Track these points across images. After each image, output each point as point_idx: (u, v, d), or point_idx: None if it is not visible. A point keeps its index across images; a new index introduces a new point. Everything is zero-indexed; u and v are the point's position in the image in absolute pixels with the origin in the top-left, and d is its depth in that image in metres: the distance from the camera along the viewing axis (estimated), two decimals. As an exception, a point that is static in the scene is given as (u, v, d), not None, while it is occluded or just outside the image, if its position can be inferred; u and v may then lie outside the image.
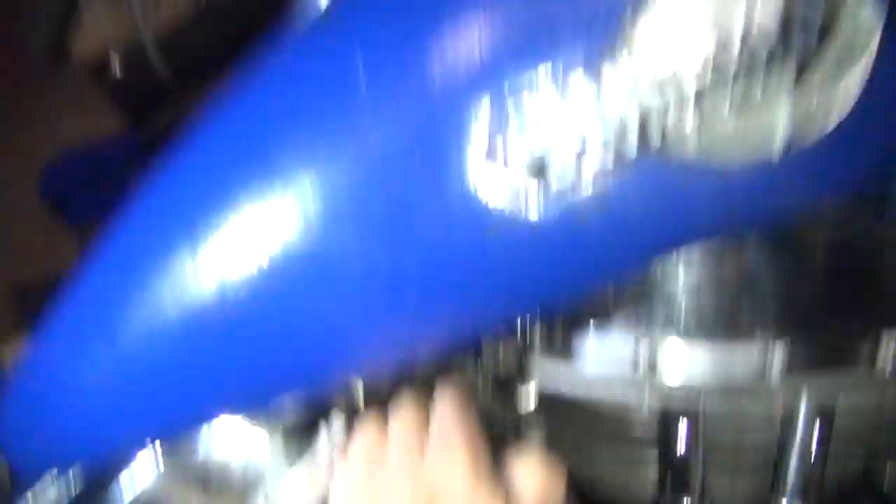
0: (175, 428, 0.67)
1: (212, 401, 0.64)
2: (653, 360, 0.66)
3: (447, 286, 0.54)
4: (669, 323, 0.67)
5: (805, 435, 0.69)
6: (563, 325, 0.70)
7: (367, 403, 0.70)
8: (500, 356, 0.79)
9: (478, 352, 0.84)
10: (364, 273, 0.52)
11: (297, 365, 0.59)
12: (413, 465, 0.52)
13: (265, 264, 0.53)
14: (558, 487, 0.53)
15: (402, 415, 0.59)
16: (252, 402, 0.65)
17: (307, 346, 0.58)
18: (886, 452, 0.79)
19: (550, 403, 0.78)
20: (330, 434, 0.73)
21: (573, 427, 0.78)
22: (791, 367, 0.65)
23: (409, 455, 0.53)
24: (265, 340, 0.57)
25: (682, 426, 0.69)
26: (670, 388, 0.66)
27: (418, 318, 0.56)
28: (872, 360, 0.66)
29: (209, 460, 0.70)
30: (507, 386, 0.73)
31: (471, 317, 0.58)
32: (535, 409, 0.79)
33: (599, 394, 0.68)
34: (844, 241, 0.66)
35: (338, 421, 0.75)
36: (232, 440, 0.71)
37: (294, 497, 0.70)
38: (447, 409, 0.58)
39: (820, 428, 0.68)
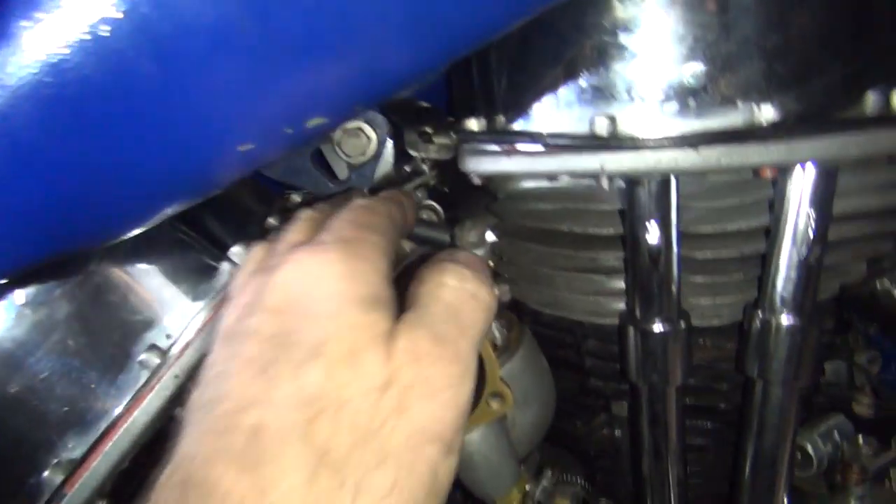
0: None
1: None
2: (613, 129, 0.55)
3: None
4: (631, 94, 0.56)
5: (800, 214, 0.58)
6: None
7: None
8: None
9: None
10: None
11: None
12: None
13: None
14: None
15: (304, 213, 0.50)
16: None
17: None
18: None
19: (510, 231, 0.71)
20: (230, 269, 0.62)
21: (533, 256, 0.68)
22: (784, 122, 0.54)
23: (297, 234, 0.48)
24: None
25: (653, 225, 0.58)
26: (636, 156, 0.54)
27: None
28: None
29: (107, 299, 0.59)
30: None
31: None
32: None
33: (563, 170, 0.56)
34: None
35: (240, 253, 0.62)
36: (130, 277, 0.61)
37: (197, 331, 0.57)
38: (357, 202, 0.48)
39: (817, 207, 0.58)
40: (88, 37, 0.45)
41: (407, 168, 0.86)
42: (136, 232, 0.55)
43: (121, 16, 0.45)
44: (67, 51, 0.44)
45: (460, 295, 0.44)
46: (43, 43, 0.44)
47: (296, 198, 0.83)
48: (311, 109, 0.49)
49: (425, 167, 0.85)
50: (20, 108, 0.45)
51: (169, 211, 0.54)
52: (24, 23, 0.44)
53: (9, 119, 0.45)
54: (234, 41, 0.46)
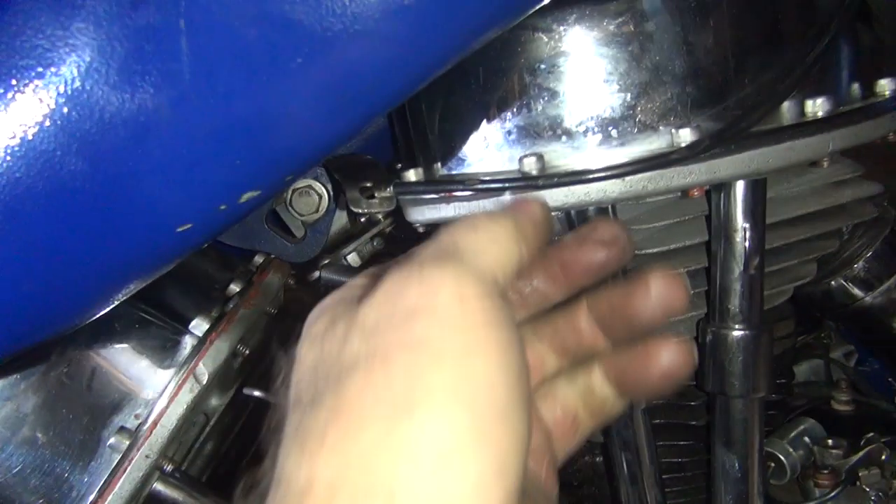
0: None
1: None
2: (541, 167, 0.57)
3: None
4: (556, 131, 0.58)
5: (734, 228, 0.60)
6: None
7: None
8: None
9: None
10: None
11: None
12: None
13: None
14: None
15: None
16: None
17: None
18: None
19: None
20: (191, 344, 0.63)
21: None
22: (700, 143, 0.55)
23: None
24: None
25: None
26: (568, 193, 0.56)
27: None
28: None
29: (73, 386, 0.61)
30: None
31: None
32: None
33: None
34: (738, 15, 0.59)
35: (201, 325, 0.63)
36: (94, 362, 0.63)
37: (162, 409, 0.58)
38: None
39: (750, 219, 0.60)
40: (16, 141, 0.47)
41: (363, 218, 0.87)
42: (93, 318, 0.56)
43: (45, 118, 0.47)
44: (-5, 158, 0.46)
45: None
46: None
47: (258, 259, 0.84)
48: (242, 186, 0.51)
49: (380, 216, 0.87)
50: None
51: (120, 296, 0.56)
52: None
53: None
54: (157, 130, 0.47)
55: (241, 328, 0.68)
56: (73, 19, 0.45)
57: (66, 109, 0.46)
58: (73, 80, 0.46)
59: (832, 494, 0.67)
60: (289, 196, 0.79)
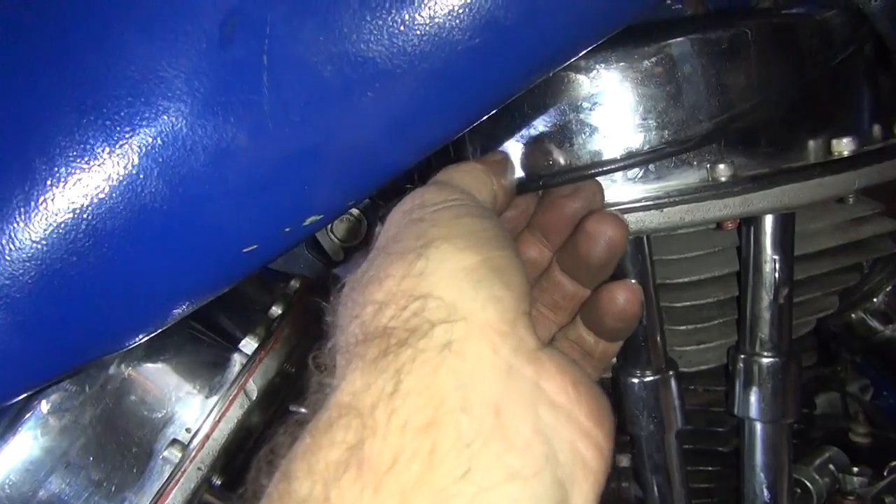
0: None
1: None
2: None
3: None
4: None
5: (765, 260, 0.63)
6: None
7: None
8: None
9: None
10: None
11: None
12: None
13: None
14: None
15: None
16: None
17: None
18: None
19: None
20: (241, 362, 0.66)
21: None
22: (736, 178, 0.59)
23: None
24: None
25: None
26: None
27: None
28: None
29: (128, 399, 0.64)
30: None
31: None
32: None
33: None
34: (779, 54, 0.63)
35: (250, 344, 0.66)
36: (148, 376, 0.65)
37: (214, 423, 0.61)
38: None
39: (780, 251, 0.63)
40: (103, 164, 0.50)
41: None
42: (154, 334, 0.59)
43: (131, 144, 0.50)
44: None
45: None
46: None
47: (294, 283, 0.87)
48: (308, 210, 0.54)
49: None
50: (48, 241, 0.50)
51: (181, 313, 0.58)
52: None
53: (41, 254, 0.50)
54: (234, 157, 0.51)
55: (287, 347, 0.70)
56: (165, 53, 0.48)
57: (151, 136, 0.50)
58: (160, 109, 0.49)
59: (859, 520, 0.69)
60: (329, 224, 0.83)
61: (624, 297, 0.54)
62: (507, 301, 0.38)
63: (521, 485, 0.34)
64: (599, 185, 0.58)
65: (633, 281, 0.57)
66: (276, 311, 0.77)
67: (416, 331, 0.36)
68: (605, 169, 0.59)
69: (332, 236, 0.83)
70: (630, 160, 0.59)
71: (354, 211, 0.83)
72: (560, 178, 0.59)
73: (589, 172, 0.59)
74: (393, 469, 0.33)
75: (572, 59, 0.55)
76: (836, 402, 1.06)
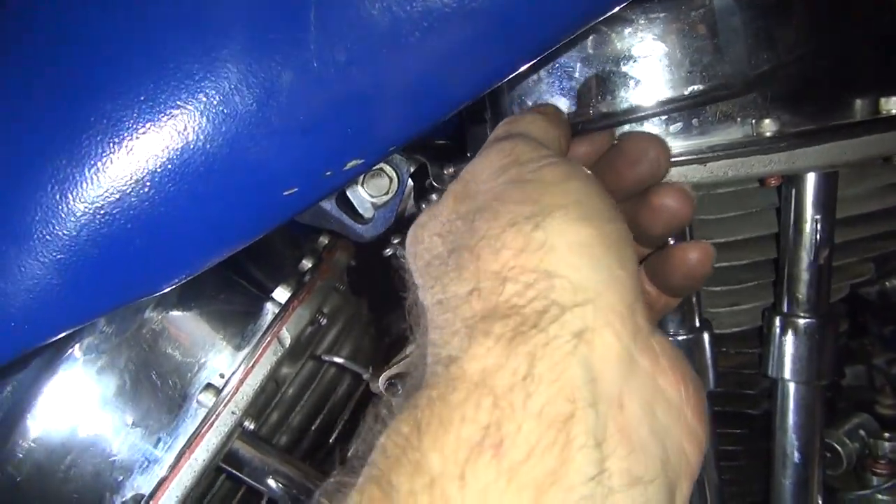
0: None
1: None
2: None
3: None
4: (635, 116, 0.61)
5: (805, 219, 0.62)
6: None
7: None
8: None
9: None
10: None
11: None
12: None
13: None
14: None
15: None
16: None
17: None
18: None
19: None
20: (273, 311, 0.66)
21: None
22: (782, 134, 0.58)
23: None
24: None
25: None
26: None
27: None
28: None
29: (163, 343, 0.64)
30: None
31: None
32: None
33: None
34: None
35: (283, 293, 0.66)
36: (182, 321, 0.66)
37: (248, 368, 0.61)
38: None
39: (821, 210, 0.62)
40: (150, 103, 0.50)
41: (424, 205, 0.90)
42: (190, 278, 0.59)
43: (177, 83, 0.50)
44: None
45: None
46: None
47: (323, 240, 0.87)
48: (349, 153, 0.54)
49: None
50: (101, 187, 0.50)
51: (220, 256, 0.58)
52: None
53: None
54: (278, 96, 0.50)
55: (319, 299, 0.70)
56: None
57: (197, 75, 0.50)
58: (207, 47, 0.49)
59: (893, 483, 0.69)
60: (361, 177, 0.82)
61: (696, 256, 0.51)
62: (625, 281, 0.37)
63: (641, 490, 0.33)
64: (665, 148, 0.53)
65: (705, 241, 0.53)
66: (307, 264, 0.77)
67: (546, 313, 0.35)
68: (645, 114, 0.59)
69: (363, 192, 0.83)
70: (672, 104, 0.58)
71: (386, 166, 0.82)
72: (601, 123, 0.58)
73: (631, 117, 0.58)
74: (528, 461, 0.32)
75: (620, 6, 0.54)
76: (862, 375, 1.06)
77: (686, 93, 0.60)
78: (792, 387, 0.66)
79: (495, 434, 0.32)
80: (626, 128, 0.61)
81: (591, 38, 0.61)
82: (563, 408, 0.33)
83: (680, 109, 0.60)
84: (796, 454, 0.67)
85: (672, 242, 0.54)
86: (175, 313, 0.65)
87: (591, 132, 0.57)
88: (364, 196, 0.84)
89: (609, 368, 0.35)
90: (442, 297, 0.39)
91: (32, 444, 0.62)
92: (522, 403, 0.33)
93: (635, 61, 0.61)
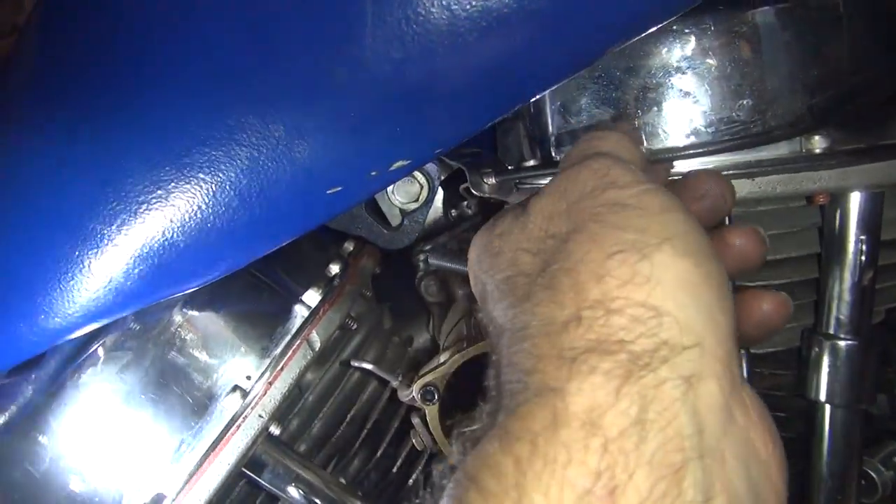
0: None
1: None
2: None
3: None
4: (685, 130, 0.60)
5: (850, 239, 0.61)
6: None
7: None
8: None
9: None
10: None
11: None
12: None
13: None
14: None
15: None
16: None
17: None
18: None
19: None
20: (302, 314, 0.64)
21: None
22: (832, 151, 0.57)
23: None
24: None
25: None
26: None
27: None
28: None
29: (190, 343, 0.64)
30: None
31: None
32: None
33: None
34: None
35: (314, 296, 0.65)
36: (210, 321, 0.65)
37: (276, 371, 0.59)
38: None
39: (867, 231, 0.61)
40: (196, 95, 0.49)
41: (454, 213, 0.89)
42: (224, 275, 0.58)
43: (222, 71, 0.49)
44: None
45: None
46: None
47: (349, 245, 0.86)
48: (396, 153, 0.53)
49: (470, 212, 0.89)
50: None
51: (258, 254, 0.57)
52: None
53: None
54: (329, 91, 0.49)
55: (349, 303, 0.69)
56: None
57: (248, 65, 0.49)
58: (258, 31, 0.48)
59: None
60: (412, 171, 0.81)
61: (771, 307, 0.46)
62: (725, 326, 0.35)
63: None
64: (730, 187, 0.49)
65: (783, 293, 0.48)
66: (334, 268, 0.76)
67: (656, 353, 0.33)
68: (691, 131, 0.58)
69: (394, 198, 0.82)
70: (719, 124, 0.57)
71: (417, 174, 0.81)
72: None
73: (676, 132, 0.57)
74: None
75: (675, 16, 0.53)
76: (885, 404, 1.05)
77: (734, 108, 0.59)
78: (830, 410, 0.64)
79: (608, 481, 0.30)
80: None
81: (638, 47, 0.61)
82: (674, 458, 0.31)
83: (728, 132, 0.59)
84: (833, 479, 0.65)
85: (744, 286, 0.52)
86: (203, 313, 0.64)
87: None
88: (394, 202, 0.83)
89: (713, 419, 0.33)
90: (529, 318, 0.36)
91: (52, 441, 0.61)
92: (635, 449, 0.31)
93: (683, 73, 0.60)
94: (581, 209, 0.39)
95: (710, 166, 0.59)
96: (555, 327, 0.35)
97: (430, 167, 0.82)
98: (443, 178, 0.82)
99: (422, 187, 0.82)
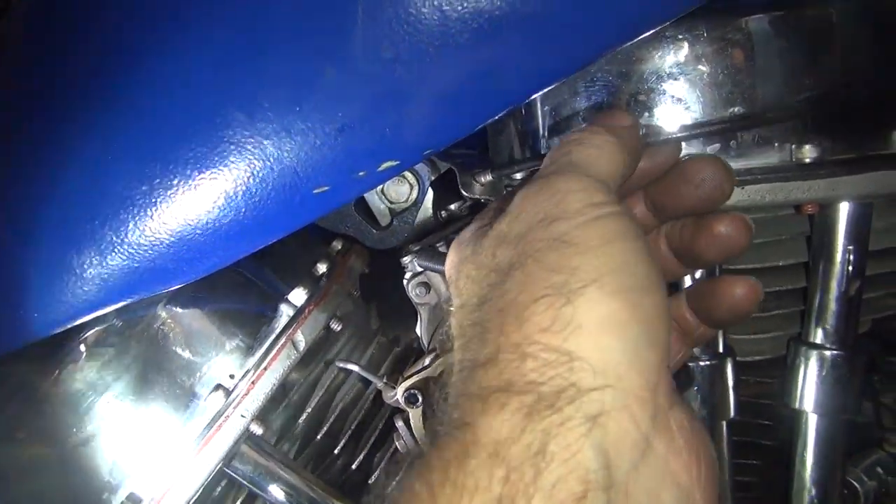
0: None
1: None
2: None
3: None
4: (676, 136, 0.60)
5: (838, 250, 0.61)
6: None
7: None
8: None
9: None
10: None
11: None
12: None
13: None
14: None
15: None
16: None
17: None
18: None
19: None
20: (288, 313, 0.64)
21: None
22: (822, 161, 0.57)
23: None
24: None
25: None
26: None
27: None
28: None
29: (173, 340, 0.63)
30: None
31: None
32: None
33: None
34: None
35: (300, 295, 0.64)
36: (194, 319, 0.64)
37: (261, 371, 0.59)
38: None
39: (855, 242, 0.61)
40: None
41: (444, 213, 0.89)
42: (209, 273, 0.57)
43: (211, 70, 0.48)
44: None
45: None
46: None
47: (337, 244, 0.85)
48: (385, 154, 0.52)
49: (460, 213, 0.88)
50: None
51: (242, 252, 0.57)
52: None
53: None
54: (318, 90, 0.49)
55: (335, 303, 0.69)
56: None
57: (230, 61, 0.48)
58: (248, 28, 0.47)
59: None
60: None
61: (742, 292, 0.49)
62: (652, 361, 0.37)
63: None
64: (730, 172, 0.51)
65: (753, 278, 0.50)
66: (321, 268, 0.75)
67: (563, 393, 0.35)
68: (683, 135, 0.57)
69: (383, 197, 0.81)
70: (711, 126, 0.57)
71: (407, 174, 0.81)
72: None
73: (667, 137, 0.57)
74: None
75: (670, 20, 0.53)
76: (870, 412, 1.05)
77: (725, 114, 0.59)
78: (814, 419, 0.65)
79: None
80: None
81: (631, 52, 0.60)
82: (576, 487, 0.33)
83: (718, 133, 0.59)
84: (815, 488, 0.65)
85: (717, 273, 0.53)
86: (187, 310, 0.63)
87: (654, 146, 0.55)
88: (383, 202, 0.82)
89: (622, 454, 0.35)
90: (461, 355, 0.39)
91: (30, 438, 0.60)
92: (533, 478, 0.33)
93: (675, 79, 0.60)
94: (527, 241, 0.40)
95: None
96: (476, 366, 0.37)
97: (421, 168, 0.81)
98: (433, 178, 0.82)
99: (412, 187, 0.81)
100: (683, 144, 0.60)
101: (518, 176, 0.67)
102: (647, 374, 0.36)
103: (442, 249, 0.79)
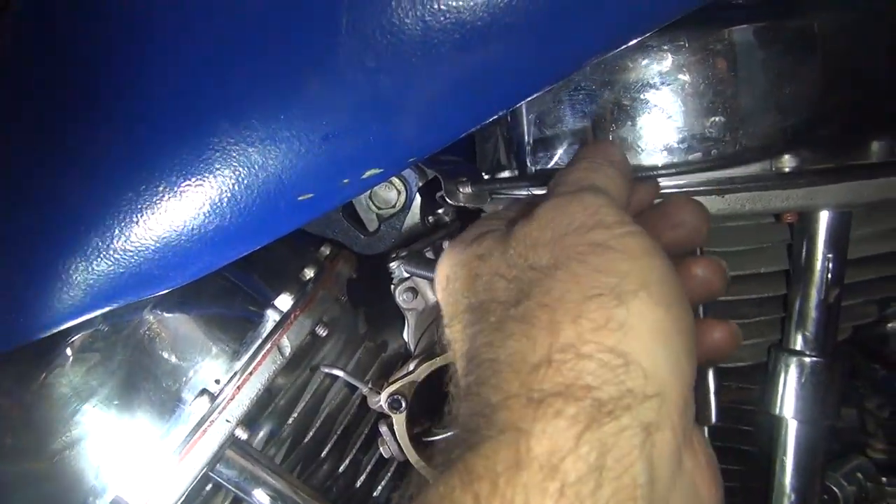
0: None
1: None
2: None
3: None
4: (658, 145, 0.61)
5: (817, 258, 0.62)
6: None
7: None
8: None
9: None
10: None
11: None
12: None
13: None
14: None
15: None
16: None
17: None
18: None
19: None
20: (274, 318, 0.64)
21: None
22: (801, 170, 0.58)
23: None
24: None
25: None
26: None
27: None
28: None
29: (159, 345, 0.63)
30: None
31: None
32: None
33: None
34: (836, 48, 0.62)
35: (286, 301, 0.65)
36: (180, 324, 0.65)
37: (246, 376, 0.59)
38: None
39: (834, 250, 0.62)
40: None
41: (431, 219, 0.89)
42: (194, 279, 0.58)
43: (196, 81, 0.49)
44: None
45: None
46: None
47: (325, 249, 0.85)
48: (369, 161, 0.53)
49: (448, 219, 0.89)
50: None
51: (226, 259, 0.57)
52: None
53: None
54: (302, 98, 0.49)
55: (321, 309, 0.69)
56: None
57: (217, 72, 0.49)
58: (232, 37, 0.48)
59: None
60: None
61: (721, 336, 0.48)
62: (688, 372, 0.37)
63: None
64: (707, 217, 0.50)
65: (734, 324, 0.49)
66: (308, 273, 0.76)
67: (620, 401, 0.34)
68: (666, 145, 0.58)
69: (371, 203, 0.82)
70: (693, 139, 0.58)
71: (395, 179, 0.82)
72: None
73: (650, 147, 0.57)
74: None
75: (653, 30, 0.53)
76: (853, 418, 1.06)
77: (707, 125, 0.60)
78: (794, 426, 0.65)
79: None
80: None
81: (614, 62, 0.61)
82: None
83: (701, 149, 0.60)
84: (795, 494, 0.66)
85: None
86: (173, 315, 0.64)
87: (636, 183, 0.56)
88: (371, 207, 0.83)
89: (665, 468, 0.34)
90: (499, 351, 0.37)
91: (16, 442, 0.60)
92: (591, 495, 0.32)
93: (657, 89, 0.61)
94: (566, 245, 0.39)
95: (682, 181, 0.59)
96: (525, 366, 0.35)
97: (408, 174, 0.82)
98: (420, 184, 0.82)
99: (399, 193, 0.82)
100: (665, 152, 0.61)
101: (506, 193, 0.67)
102: (683, 385, 0.36)
103: (429, 255, 0.79)
